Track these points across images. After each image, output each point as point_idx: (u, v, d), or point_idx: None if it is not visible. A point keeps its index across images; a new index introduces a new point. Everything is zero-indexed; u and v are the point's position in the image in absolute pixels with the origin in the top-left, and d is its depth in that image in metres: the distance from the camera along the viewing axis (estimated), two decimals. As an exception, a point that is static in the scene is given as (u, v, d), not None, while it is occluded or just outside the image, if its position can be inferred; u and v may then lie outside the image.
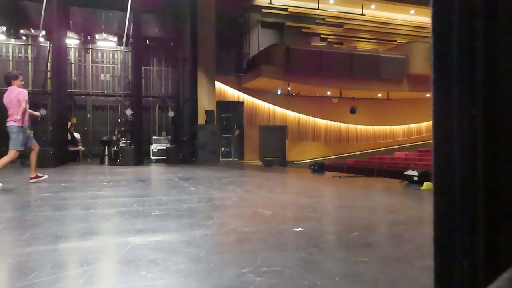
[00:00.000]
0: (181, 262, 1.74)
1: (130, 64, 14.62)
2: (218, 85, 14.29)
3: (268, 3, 16.08)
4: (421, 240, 2.17)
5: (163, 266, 1.67)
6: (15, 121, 5.27)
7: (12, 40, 13.62)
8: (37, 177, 5.58)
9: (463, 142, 0.57)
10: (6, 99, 5.48)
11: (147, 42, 14.36)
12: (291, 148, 16.28)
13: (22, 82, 5.60)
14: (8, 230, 2.52)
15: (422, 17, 18.26)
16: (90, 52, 14.62)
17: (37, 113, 6.24)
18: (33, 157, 5.60)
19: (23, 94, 5.40)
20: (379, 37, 18.09)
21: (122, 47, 13.55)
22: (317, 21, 17.14)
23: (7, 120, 5.43)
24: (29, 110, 5.61)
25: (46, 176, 5.70)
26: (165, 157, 11.83)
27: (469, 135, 0.57)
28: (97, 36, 13.97)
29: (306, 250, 1.95)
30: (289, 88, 15.27)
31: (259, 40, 15.94)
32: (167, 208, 3.31)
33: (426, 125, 18.31)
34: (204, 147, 11.73)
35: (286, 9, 16.48)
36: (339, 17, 17.49)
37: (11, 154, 5.34)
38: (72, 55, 14.32)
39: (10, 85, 5.50)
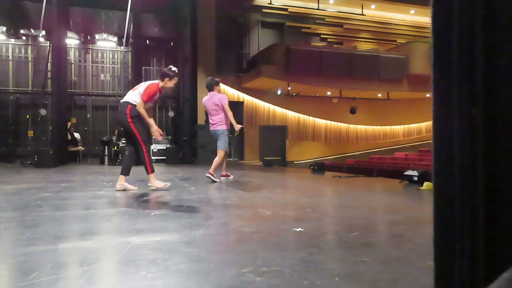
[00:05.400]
0: (181, 262, 1.74)
1: (130, 64, 14.63)
2: (218, 85, 14.26)
3: (268, 3, 16.08)
4: (421, 240, 2.17)
5: (163, 266, 1.67)
6: (223, 125, 5.67)
7: (12, 40, 13.63)
8: (211, 174, 5.69)
9: (463, 142, 0.57)
10: (208, 103, 5.77)
11: (147, 42, 14.36)
12: (291, 148, 16.27)
13: (221, 88, 5.98)
14: (8, 230, 2.52)
15: (422, 17, 18.25)
16: (90, 52, 14.62)
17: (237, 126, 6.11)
18: (220, 156, 5.80)
19: (226, 98, 5.75)
20: (379, 37, 18.08)
21: (122, 47, 13.55)
22: (317, 21, 17.14)
23: (213, 124, 5.76)
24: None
25: (218, 180, 5.75)
26: (165, 157, 11.83)
27: (469, 135, 0.57)
28: (97, 36, 13.98)
29: (306, 250, 1.95)
30: (289, 88, 15.27)
31: (259, 40, 15.93)
32: (167, 208, 3.31)
33: (426, 125, 18.30)
34: (204, 147, 11.72)
35: (286, 9, 16.47)
36: (339, 17, 17.49)
37: (221, 154, 5.71)
38: (72, 55, 14.32)
39: (211, 90, 5.80)
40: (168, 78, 4.48)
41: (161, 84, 4.49)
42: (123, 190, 4.48)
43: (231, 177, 6.14)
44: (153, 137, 4.58)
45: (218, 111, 5.69)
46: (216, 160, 5.68)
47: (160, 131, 4.52)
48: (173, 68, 4.54)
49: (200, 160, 11.61)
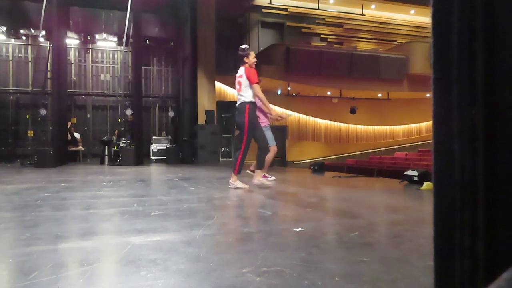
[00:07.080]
0: (181, 262, 1.74)
1: (130, 64, 14.62)
2: (218, 85, 14.28)
3: (268, 3, 16.09)
4: (421, 240, 2.17)
5: (163, 266, 1.67)
6: (264, 122, 5.77)
7: (12, 40, 13.63)
8: (265, 176, 5.72)
9: (463, 142, 0.57)
10: None
11: (147, 42, 14.35)
12: (291, 148, 16.28)
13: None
14: (8, 230, 2.52)
15: (422, 17, 18.26)
16: (90, 52, 14.62)
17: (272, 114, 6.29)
18: (269, 156, 5.83)
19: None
20: (379, 37, 18.09)
21: (122, 47, 13.55)
22: (317, 21, 17.14)
23: None
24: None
25: (273, 178, 5.92)
26: (165, 157, 11.82)
27: (469, 135, 0.57)
28: (97, 36, 13.97)
29: (306, 250, 1.95)
30: (289, 88, 15.27)
31: (259, 40, 15.94)
32: (167, 208, 3.31)
33: (426, 125, 18.31)
34: (204, 147, 11.72)
35: (286, 9, 16.48)
36: (339, 17, 17.49)
37: (272, 150, 5.80)
38: (72, 55, 14.32)
39: None
40: (246, 57, 4.59)
41: (247, 65, 4.60)
42: (261, 185, 4.61)
43: (272, 178, 6.17)
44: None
45: (258, 109, 5.85)
46: (268, 158, 5.76)
47: (278, 115, 4.91)
48: (242, 46, 4.65)
49: (200, 160, 11.60)
